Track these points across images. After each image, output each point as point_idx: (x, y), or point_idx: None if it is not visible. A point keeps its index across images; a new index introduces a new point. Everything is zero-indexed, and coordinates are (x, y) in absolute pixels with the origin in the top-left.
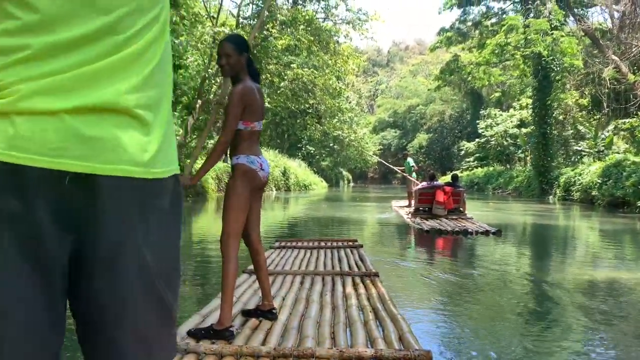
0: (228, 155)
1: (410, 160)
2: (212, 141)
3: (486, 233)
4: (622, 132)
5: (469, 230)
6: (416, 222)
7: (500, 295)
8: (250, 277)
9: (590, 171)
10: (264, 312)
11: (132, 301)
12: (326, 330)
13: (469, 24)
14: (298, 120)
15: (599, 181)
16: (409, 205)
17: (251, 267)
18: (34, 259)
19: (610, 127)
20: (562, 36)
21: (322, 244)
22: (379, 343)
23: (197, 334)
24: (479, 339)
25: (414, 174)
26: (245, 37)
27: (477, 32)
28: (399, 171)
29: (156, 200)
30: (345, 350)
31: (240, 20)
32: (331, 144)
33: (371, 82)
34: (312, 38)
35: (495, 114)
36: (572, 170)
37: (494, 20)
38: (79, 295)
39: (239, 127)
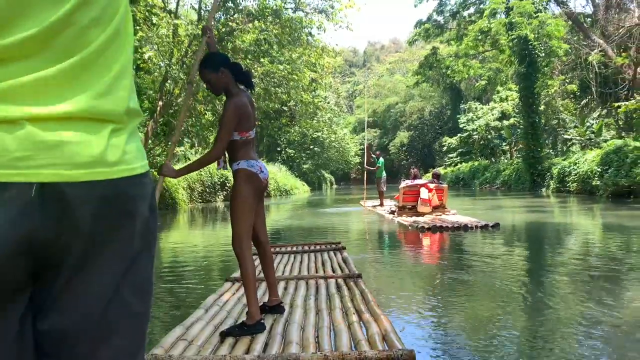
0: (226, 163)
1: (381, 160)
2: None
3: (485, 227)
4: (606, 120)
5: (469, 225)
6: (411, 220)
7: (490, 294)
8: (233, 285)
9: (587, 160)
10: (272, 307)
11: (106, 321)
12: (310, 334)
13: (447, 14)
14: (272, 121)
15: (599, 170)
16: (381, 205)
17: (234, 275)
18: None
19: (595, 114)
20: (549, 18)
21: (306, 247)
22: (363, 344)
23: (232, 333)
24: (466, 339)
25: (383, 173)
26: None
27: (454, 23)
28: (368, 168)
29: (135, 204)
30: (330, 353)
31: (202, 12)
32: (311, 146)
33: (349, 81)
34: (281, 31)
35: (476, 108)
36: (564, 159)
37: (472, 10)
38: (43, 318)
39: (234, 138)
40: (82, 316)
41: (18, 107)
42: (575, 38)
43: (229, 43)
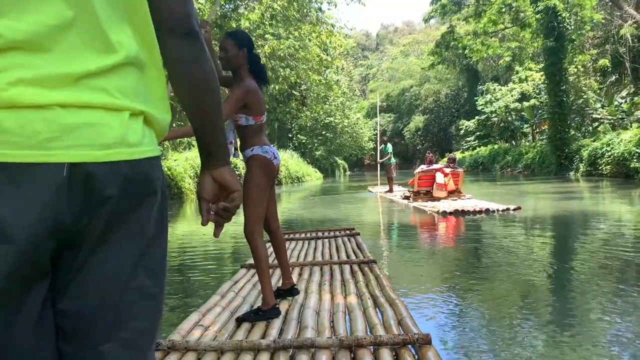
0: (237, 150)
1: (389, 145)
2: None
3: (506, 210)
4: (635, 98)
5: (491, 209)
6: (431, 205)
7: (509, 281)
8: (249, 272)
9: (622, 140)
10: (286, 291)
11: (125, 304)
12: (325, 319)
13: None
14: (280, 105)
15: (638, 151)
16: (390, 191)
17: (249, 261)
18: (29, 278)
19: (624, 92)
20: None
21: (320, 234)
22: (378, 329)
23: (248, 318)
24: (483, 324)
25: (392, 159)
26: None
27: None
28: (380, 162)
29: (154, 185)
30: (345, 338)
31: None
32: (323, 132)
33: (362, 65)
34: (287, 5)
35: (494, 89)
36: (594, 140)
37: None
38: (62, 299)
39: (249, 123)
40: (100, 297)
41: (49, 92)
42: (602, 12)
43: (232, 21)
